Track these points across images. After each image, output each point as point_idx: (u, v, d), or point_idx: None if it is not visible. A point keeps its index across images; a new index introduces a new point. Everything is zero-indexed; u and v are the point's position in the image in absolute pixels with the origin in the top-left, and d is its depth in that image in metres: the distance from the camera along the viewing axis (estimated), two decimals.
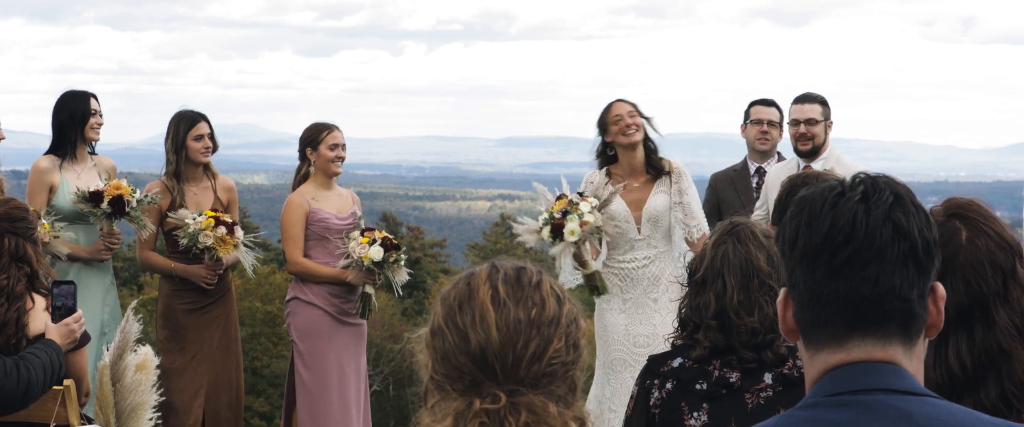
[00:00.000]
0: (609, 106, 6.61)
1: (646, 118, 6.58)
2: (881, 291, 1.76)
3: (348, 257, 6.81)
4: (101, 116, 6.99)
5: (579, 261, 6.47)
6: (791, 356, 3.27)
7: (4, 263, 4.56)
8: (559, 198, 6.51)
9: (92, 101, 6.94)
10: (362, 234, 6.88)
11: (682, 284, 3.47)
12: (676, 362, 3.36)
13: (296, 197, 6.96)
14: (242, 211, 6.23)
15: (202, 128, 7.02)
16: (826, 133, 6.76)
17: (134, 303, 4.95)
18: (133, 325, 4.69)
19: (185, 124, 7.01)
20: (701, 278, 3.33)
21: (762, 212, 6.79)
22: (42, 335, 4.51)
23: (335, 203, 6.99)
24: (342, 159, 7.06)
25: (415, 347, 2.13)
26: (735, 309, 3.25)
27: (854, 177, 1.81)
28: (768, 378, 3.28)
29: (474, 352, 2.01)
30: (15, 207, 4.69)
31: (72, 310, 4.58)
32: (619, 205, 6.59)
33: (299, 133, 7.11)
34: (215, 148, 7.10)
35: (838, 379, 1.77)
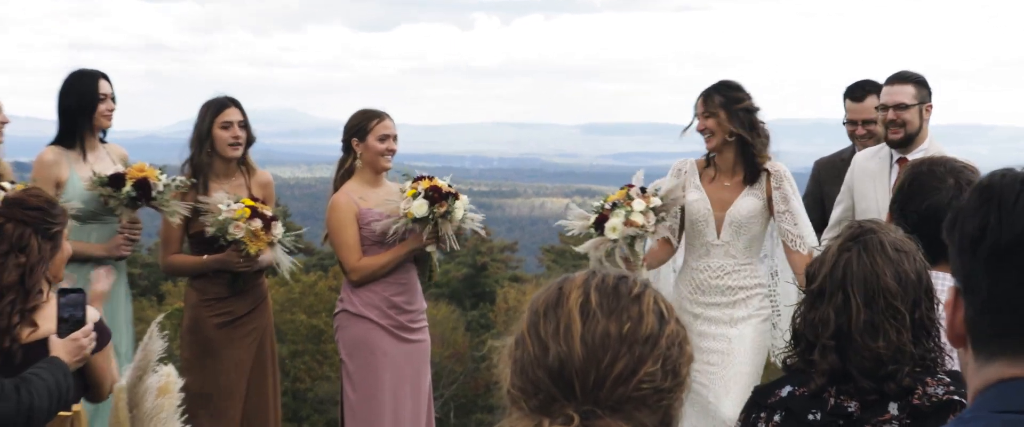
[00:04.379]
0: (698, 100, 6.64)
1: (737, 123, 6.51)
2: None
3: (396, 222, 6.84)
4: (113, 101, 6.96)
5: (626, 264, 6.46)
6: (919, 385, 3.23)
7: (2, 250, 4.64)
8: (625, 186, 6.59)
9: (102, 83, 6.92)
10: (412, 184, 6.88)
11: (800, 288, 3.43)
12: (784, 391, 3.33)
13: (341, 197, 6.95)
14: (282, 210, 6.25)
15: (231, 114, 7.01)
16: (923, 119, 6.71)
17: (159, 317, 4.93)
18: (157, 342, 4.68)
19: (212, 110, 7.02)
20: (819, 288, 3.29)
21: (841, 208, 6.85)
22: (44, 341, 4.56)
23: (386, 202, 6.92)
24: (393, 152, 7.04)
25: (498, 356, 2.15)
26: (860, 330, 3.21)
27: None
28: (894, 409, 3.22)
29: (552, 366, 2.02)
30: (34, 195, 4.78)
31: (81, 323, 4.60)
32: (701, 201, 6.64)
33: (345, 120, 7.12)
34: (249, 140, 7.09)
35: (1006, 395, 1.75)
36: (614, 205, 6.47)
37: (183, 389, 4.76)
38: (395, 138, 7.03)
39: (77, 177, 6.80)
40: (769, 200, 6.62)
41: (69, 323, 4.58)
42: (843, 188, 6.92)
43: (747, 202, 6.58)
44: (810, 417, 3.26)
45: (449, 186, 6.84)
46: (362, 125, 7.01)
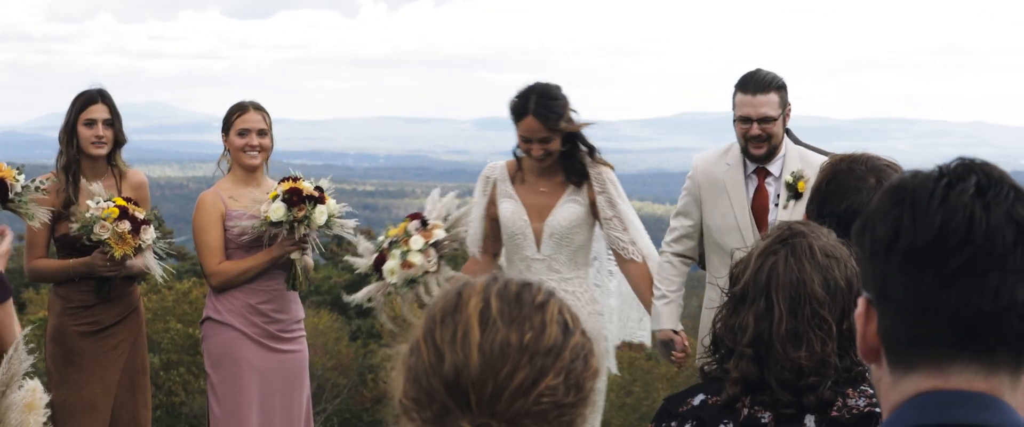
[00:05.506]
0: (519, 120, 6.31)
1: (569, 132, 6.32)
2: (1000, 306, 1.74)
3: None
4: None
5: (420, 304, 6.22)
6: (839, 397, 3.20)
7: None
8: (407, 218, 6.41)
9: None
10: (278, 184, 6.81)
11: (723, 291, 3.39)
12: (697, 399, 3.31)
13: (208, 196, 6.91)
14: (153, 212, 6.17)
15: (95, 111, 6.93)
16: (784, 126, 6.40)
17: (26, 329, 4.85)
18: (22, 356, 4.60)
19: (77, 105, 6.95)
20: (741, 292, 3.25)
21: (686, 222, 6.51)
22: None
23: (259, 200, 6.81)
24: (256, 148, 6.92)
25: (392, 364, 2.12)
26: (781, 339, 3.17)
27: (956, 164, 1.79)
28: (810, 422, 3.19)
29: (447, 375, 2.00)
30: None
31: None
32: (515, 210, 6.42)
33: (221, 114, 7.06)
34: (117, 141, 7.01)
35: (926, 408, 1.76)
36: (391, 243, 6.21)
37: (49, 404, 4.69)
38: (260, 132, 6.93)
39: None
40: (593, 205, 6.42)
41: None
42: (686, 198, 6.54)
43: (567, 210, 6.37)
44: None
45: (316, 189, 6.72)
46: (227, 118, 6.97)
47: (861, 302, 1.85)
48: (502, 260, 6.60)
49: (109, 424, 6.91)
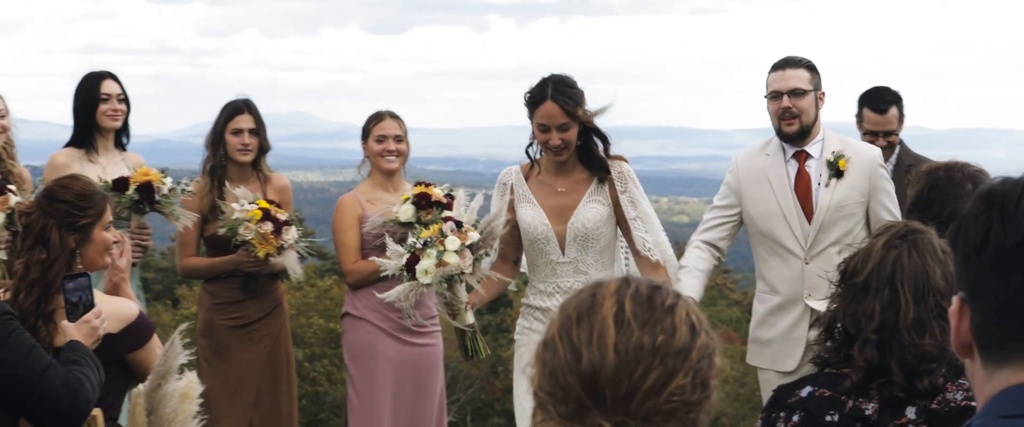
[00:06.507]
0: (536, 107, 5.87)
1: (586, 122, 5.89)
2: None
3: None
4: (120, 102, 7.02)
5: (448, 310, 5.93)
6: (943, 390, 3.24)
7: (28, 244, 4.63)
8: (437, 220, 6.10)
9: (106, 83, 6.99)
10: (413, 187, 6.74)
11: (832, 283, 3.42)
12: (805, 391, 3.35)
13: (347, 198, 6.99)
14: (296, 215, 6.27)
15: (242, 121, 7.02)
16: (817, 108, 6.21)
17: (183, 326, 4.90)
18: (178, 350, 4.67)
19: (225, 114, 7.05)
20: (863, 282, 3.30)
21: (724, 212, 6.31)
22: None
23: (394, 204, 6.84)
24: (394, 153, 6.99)
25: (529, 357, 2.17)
26: (908, 326, 3.23)
27: None
28: (911, 413, 3.24)
29: (585, 373, 2.02)
30: (63, 186, 4.75)
31: (90, 305, 4.53)
32: (535, 215, 5.99)
33: (360, 123, 7.15)
34: (261, 149, 7.09)
35: (1016, 399, 1.76)
36: (425, 243, 5.85)
37: (202, 394, 4.75)
38: (397, 138, 7.00)
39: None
40: (615, 205, 6.00)
41: (79, 307, 4.51)
42: (724, 190, 6.33)
43: (591, 211, 5.94)
44: (828, 418, 3.28)
45: (445, 196, 6.70)
46: (366, 126, 7.06)
47: (955, 300, 1.85)
48: (523, 266, 6.22)
49: (253, 412, 7.01)
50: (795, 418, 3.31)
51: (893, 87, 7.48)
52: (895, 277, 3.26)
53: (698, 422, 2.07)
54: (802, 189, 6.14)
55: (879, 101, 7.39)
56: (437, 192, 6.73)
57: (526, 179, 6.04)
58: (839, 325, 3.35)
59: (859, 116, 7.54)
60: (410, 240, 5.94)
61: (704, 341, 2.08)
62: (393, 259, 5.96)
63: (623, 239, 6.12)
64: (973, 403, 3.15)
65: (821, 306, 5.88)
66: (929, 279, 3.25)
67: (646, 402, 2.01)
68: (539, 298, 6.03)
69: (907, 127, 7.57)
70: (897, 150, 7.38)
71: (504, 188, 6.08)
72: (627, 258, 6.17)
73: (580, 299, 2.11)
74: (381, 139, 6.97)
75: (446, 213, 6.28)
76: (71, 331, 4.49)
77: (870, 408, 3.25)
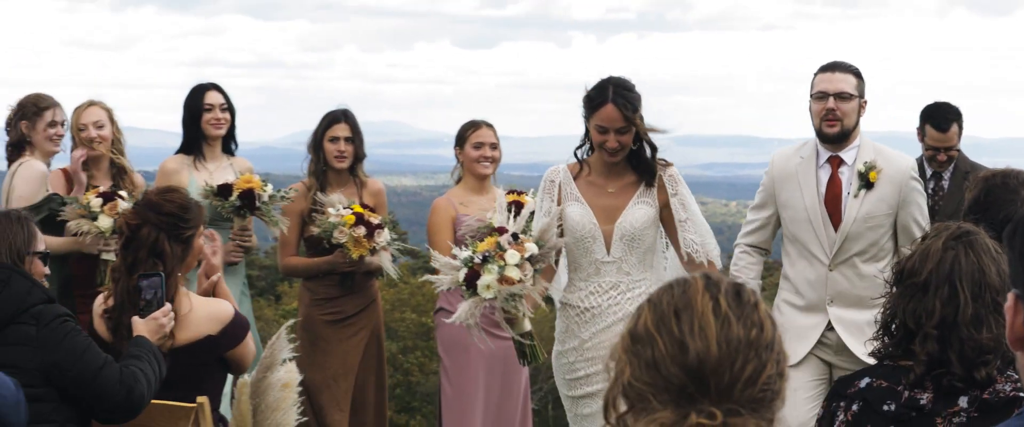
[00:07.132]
0: (596, 110, 5.69)
1: (641, 132, 5.71)
2: None
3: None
4: (223, 111, 7.16)
5: (510, 324, 5.74)
6: (994, 381, 3.30)
7: (141, 257, 4.78)
8: (492, 233, 5.79)
9: (210, 94, 7.14)
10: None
11: (887, 282, 3.47)
12: (863, 382, 3.41)
13: (441, 202, 7.09)
14: (390, 217, 6.38)
15: (338, 130, 7.15)
16: (859, 115, 6.03)
17: (289, 322, 5.11)
18: (282, 343, 4.83)
19: (324, 122, 7.18)
20: (924, 282, 3.36)
21: (763, 214, 6.18)
22: (199, 342, 4.74)
23: (486, 208, 6.97)
24: (489, 159, 7.11)
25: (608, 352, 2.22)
26: (967, 322, 3.29)
27: None
28: (963, 402, 3.30)
29: (690, 363, 2.09)
30: (168, 199, 4.88)
31: (161, 302, 4.70)
32: (583, 213, 5.80)
33: (451, 131, 7.27)
34: (357, 156, 7.20)
35: None
36: (484, 258, 5.58)
37: (301, 383, 4.91)
38: (492, 146, 7.12)
39: (195, 184, 7.00)
40: (664, 208, 5.81)
41: (153, 304, 4.70)
42: (762, 192, 6.21)
43: (639, 212, 5.75)
44: (885, 408, 3.33)
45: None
46: (461, 134, 7.15)
47: (1010, 297, 1.89)
48: (561, 265, 5.99)
49: (347, 400, 7.11)
50: (854, 407, 3.37)
51: (953, 102, 7.51)
52: (954, 275, 3.31)
53: (776, 408, 2.15)
54: (832, 196, 5.98)
55: (941, 119, 7.42)
56: (529, 200, 6.71)
57: (574, 179, 5.85)
58: (896, 322, 3.41)
59: (921, 131, 7.54)
60: (465, 253, 5.68)
61: (779, 334, 2.17)
62: (448, 275, 5.74)
63: (665, 240, 5.94)
64: (1021, 394, 3.22)
65: (843, 314, 5.88)
66: (985, 276, 3.31)
67: (745, 391, 2.09)
68: (578, 296, 5.82)
69: (963, 135, 7.58)
70: (954, 159, 7.42)
71: (552, 186, 5.88)
72: (666, 260, 5.99)
73: (672, 295, 2.17)
74: (478, 145, 7.08)
75: (497, 221, 6.07)
76: (140, 326, 4.67)
77: (925, 398, 3.31)
